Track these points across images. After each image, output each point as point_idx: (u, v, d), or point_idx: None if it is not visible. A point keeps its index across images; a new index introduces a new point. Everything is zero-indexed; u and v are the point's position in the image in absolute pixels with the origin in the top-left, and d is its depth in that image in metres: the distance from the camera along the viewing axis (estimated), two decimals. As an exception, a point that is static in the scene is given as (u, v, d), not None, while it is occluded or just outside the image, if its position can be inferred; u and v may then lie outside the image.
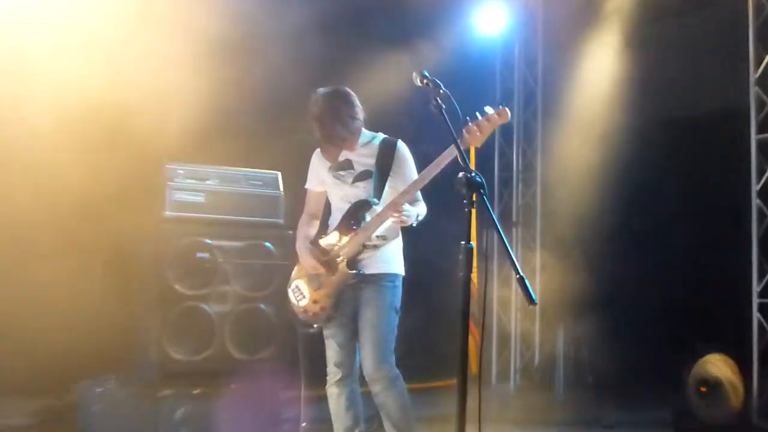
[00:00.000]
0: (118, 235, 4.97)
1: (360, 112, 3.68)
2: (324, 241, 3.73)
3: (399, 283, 3.73)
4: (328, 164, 3.77)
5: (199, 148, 5.26)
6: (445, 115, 3.02)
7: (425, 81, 3.11)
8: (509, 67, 7.75)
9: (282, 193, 5.23)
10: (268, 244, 5.04)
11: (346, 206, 3.68)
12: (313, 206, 3.90)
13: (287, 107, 5.13)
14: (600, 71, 6.84)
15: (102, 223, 5.04)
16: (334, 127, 3.60)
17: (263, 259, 5.03)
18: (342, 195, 3.73)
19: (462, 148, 3.01)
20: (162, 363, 4.66)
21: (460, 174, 2.73)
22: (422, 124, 3.87)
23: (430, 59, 6.05)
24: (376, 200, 3.62)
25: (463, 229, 2.72)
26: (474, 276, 5.26)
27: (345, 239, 3.65)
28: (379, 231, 3.62)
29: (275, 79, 5.64)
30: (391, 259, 3.71)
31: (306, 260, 3.70)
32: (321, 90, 3.69)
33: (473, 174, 2.72)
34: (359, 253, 3.62)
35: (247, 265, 4.97)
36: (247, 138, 5.66)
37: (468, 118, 3.23)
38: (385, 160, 3.68)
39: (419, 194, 3.72)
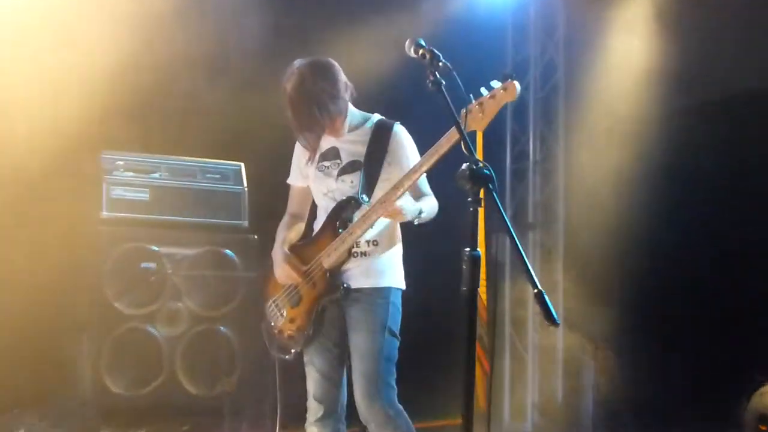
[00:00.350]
0: (44, 240, 5.00)
1: (345, 90, 3.68)
2: (305, 247, 3.78)
3: (396, 299, 3.72)
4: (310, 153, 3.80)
5: (142, 132, 5.30)
6: (446, 93, 3.02)
7: (421, 51, 3.12)
8: (524, 33, 7.71)
9: (246, 188, 5.29)
10: (228, 251, 5.11)
11: (332, 205, 3.70)
12: (296, 205, 3.92)
13: (255, 83, 5.17)
14: (635, 40, 6.75)
15: (23, 226, 5.05)
16: (310, 110, 3.59)
17: (222, 270, 5.09)
18: (326, 191, 3.75)
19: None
20: (98, 397, 4.73)
21: (464, 165, 2.75)
22: (418, 103, 3.93)
23: (427, 24, 6.07)
24: (365, 197, 3.63)
25: (468, 234, 2.72)
26: (482, 291, 5.39)
27: (329, 245, 3.66)
28: (370, 235, 3.64)
29: (240, 50, 5.67)
30: (385, 269, 3.71)
31: (281, 269, 3.72)
32: (297, 62, 3.68)
33: (480, 165, 2.74)
34: (344, 261, 3.64)
35: (203, 278, 5.04)
36: (203, 121, 5.67)
37: (471, 95, 3.20)
38: (378, 148, 3.68)
39: (427, 188, 3.73)
